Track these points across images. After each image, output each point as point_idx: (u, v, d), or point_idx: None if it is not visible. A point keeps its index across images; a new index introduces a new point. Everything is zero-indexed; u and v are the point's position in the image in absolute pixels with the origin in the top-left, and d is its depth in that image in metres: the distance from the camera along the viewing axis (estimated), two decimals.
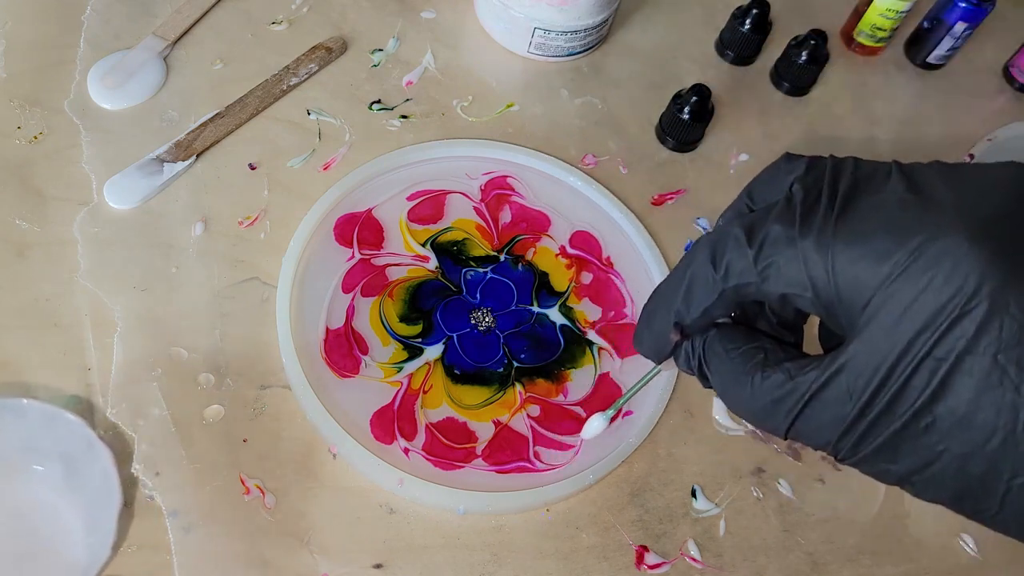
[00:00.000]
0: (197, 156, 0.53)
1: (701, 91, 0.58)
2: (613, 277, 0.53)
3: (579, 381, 0.49)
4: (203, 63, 0.57)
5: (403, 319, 0.49)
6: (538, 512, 0.46)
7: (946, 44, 0.65)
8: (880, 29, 0.65)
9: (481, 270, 0.52)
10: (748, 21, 0.63)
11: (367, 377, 0.47)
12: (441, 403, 0.47)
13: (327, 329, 0.48)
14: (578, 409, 0.48)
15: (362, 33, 0.61)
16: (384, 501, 0.45)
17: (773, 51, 0.65)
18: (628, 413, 0.49)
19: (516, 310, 0.51)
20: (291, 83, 0.57)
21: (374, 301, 0.50)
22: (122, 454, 0.43)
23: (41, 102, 0.53)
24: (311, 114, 0.56)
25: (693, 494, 0.47)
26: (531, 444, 0.47)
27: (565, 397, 0.49)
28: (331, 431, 0.44)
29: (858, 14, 0.66)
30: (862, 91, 0.66)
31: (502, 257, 0.53)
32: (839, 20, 0.68)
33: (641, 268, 0.54)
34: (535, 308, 0.51)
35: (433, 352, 0.49)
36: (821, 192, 0.27)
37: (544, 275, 0.53)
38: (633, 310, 0.52)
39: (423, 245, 0.52)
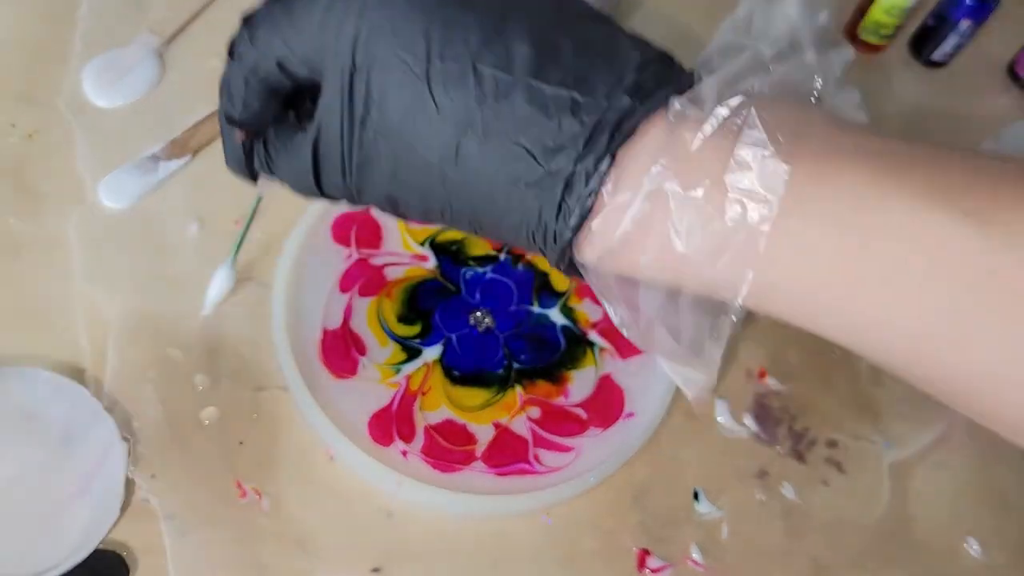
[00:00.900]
0: (193, 154, 0.52)
1: None
2: None
3: (580, 382, 0.49)
4: (199, 60, 0.56)
5: (401, 319, 0.49)
6: (538, 516, 0.45)
7: (951, 41, 0.65)
8: (884, 26, 0.64)
9: (481, 270, 0.51)
10: None
11: (365, 378, 0.47)
12: (440, 405, 0.47)
13: (324, 330, 0.48)
14: (579, 411, 0.48)
15: None
16: (382, 504, 0.44)
17: None
18: (630, 415, 0.48)
19: (516, 310, 0.50)
20: None
21: (372, 301, 0.49)
22: None
23: (35, 100, 0.53)
24: None
25: (695, 497, 0.47)
26: (531, 446, 0.46)
27: (566, 399, 0.48)
28: (328, 433, 0.44)
29: (862, 11, 0.66)
30: (866, 89, 0.65)
31: (502, 256, 0.52)
32: (843, 17, 0.68)
33: None
34: (535, 308, 0.51)
35: (432, 353, 0.48)
36: None
37: (544, 275, 0.52)
38: None
39: (422, 244, 0.52)
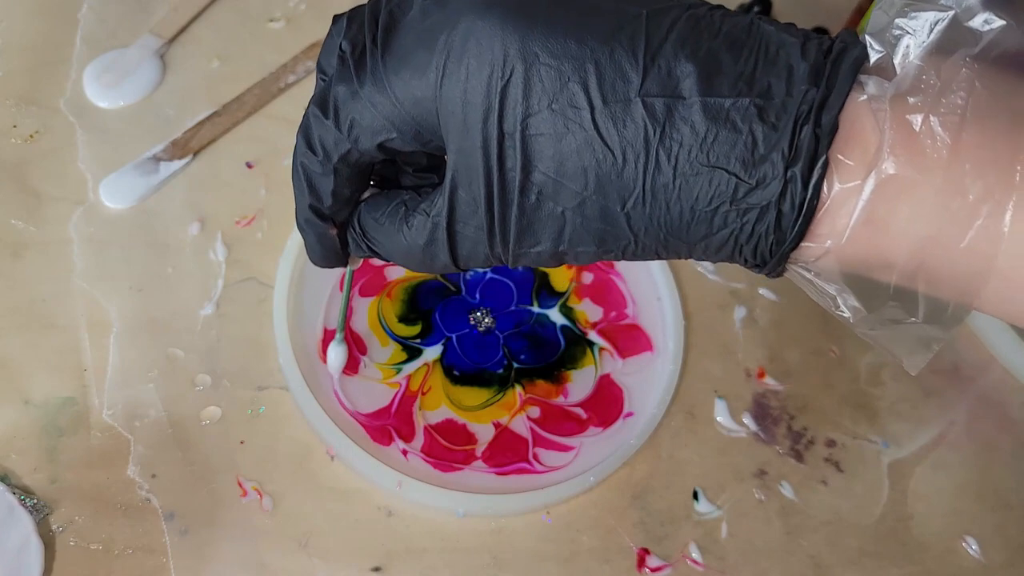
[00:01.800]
0: (194, 155, 0.53)
1: None
2: (614, 277, 0.53)
3: (580, 382, 0.49)
4: (200, 61, 0.56)
5: (402, 319, 0.49)
6: (538, 515, 0.45)
7: None
8: None
9: (481, 270, 0.52)
10: None
11: (365, 378, 0.47)
12: (440, 404, 0.47)
13: (325, 329, 0.48)
14: (579, 410, 0.48)
15: None
16: (382, 503, 0.44)
17: None
18: (629, 414, 0.48)
19: (516, 310, 0.51)
20: (289, 81, 0.56)
21: (373, 301, 0.49)
22: (118, 456, 0.43)
23: (37, 101, 0.53)
24: None
25: (695, 496, 0.47)
26: (531, 446, 0.46)
27: (565, 398, 0.48)
28: (329, 433, 0.44)
29: (861, 12, 0.66)
30: None
31: None
32: (842, 18, 0.68)
33: (642, 268, 0.53)
34: (535, 308, 0.51)
35: (432, 353, 0.48)
36: (365, 37, 0.28)
37: (544, 275, 0.52)
38: (635, 310, 0.52)
39: None
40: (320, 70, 0.30)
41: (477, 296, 0.51)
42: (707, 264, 0.55)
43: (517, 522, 0.45)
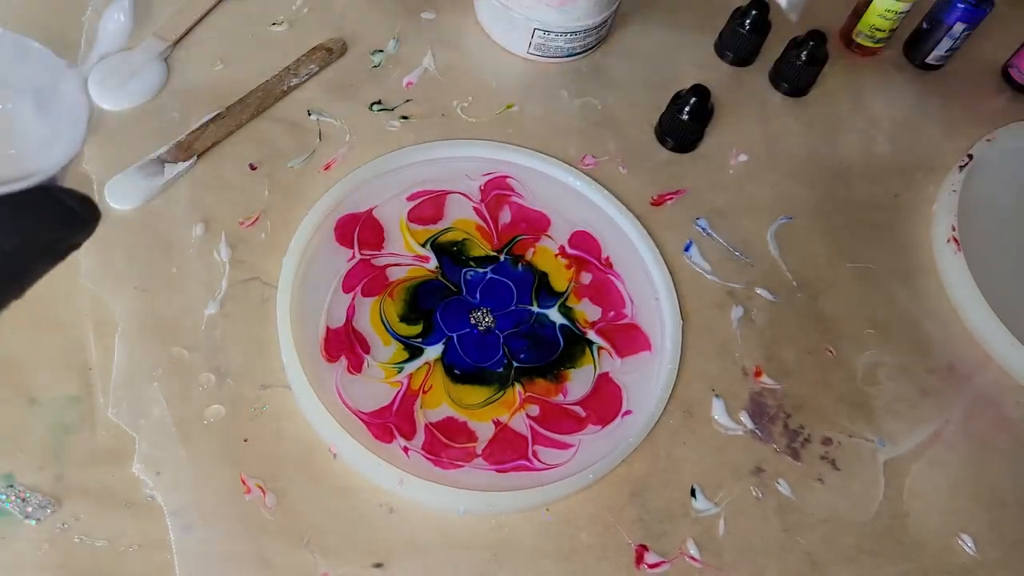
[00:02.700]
0: (198, 157, 0.53)
1: (700, 92, 0.58)
2: (612, 277, 0.53)
3: (578, 381, 0.49)
4: (204, 64, 0.57)
5: (403, 319, 0.50)
6: (538, 512, 0.46)
7: (945, 45, 0.65)
8: (879, 30, 0.65)
9: (481, 270, 0.52)
10: (747, 22, 0.63)
11: (367, 377, 0.47)
12: (441, 403, 0.47)
13: (327, 329, 0.48)
14: (577, 409, 0.49)
15: (362, 34, 0.61)
16: (384, 500, 0.45)
17: (772, 52, 0.65)
18: (628, 413, 0.49)
19: (516, 310, 0.51)
20: (291, 84, 0.57)
21: (375, 301, 0.50)
22: (123, 454, 0.43)
23: None
24: (311, 115, 0.57)
25: (692, 494, 0.47)
26: (530, 444, 0.47)
27: (564, 397, 0.49)
28: (331, 431, 0.45)
29: (857, 15, 0.66)
30: (861, 92, 0.66)
31: (502, 257, 0.53)
32: (838, 21, 0.69)
33: (640, 268, 0.54)
34: (535, 308, 0.51)
35: (433, 352, 0.49)
36: None
37: (544, 275, 0.53)
38: (633, 310, 0.53)
39: (423, 245, 0.52)
40: None
41: (477, 296, 0.51)
42: (705, 264, 0.55)
43: (517, 519, 0.45)
